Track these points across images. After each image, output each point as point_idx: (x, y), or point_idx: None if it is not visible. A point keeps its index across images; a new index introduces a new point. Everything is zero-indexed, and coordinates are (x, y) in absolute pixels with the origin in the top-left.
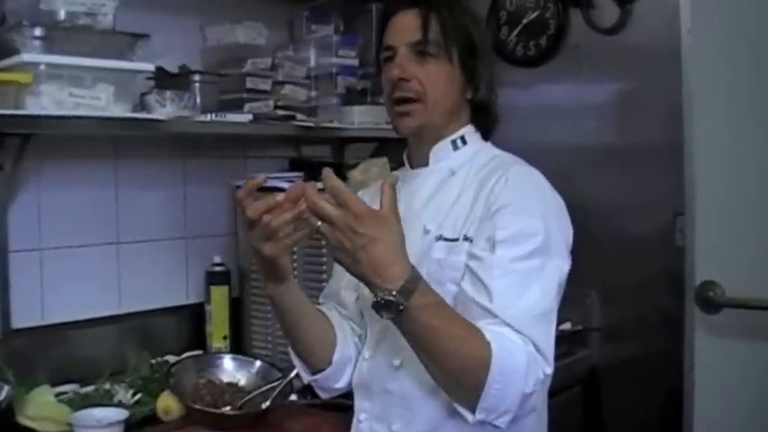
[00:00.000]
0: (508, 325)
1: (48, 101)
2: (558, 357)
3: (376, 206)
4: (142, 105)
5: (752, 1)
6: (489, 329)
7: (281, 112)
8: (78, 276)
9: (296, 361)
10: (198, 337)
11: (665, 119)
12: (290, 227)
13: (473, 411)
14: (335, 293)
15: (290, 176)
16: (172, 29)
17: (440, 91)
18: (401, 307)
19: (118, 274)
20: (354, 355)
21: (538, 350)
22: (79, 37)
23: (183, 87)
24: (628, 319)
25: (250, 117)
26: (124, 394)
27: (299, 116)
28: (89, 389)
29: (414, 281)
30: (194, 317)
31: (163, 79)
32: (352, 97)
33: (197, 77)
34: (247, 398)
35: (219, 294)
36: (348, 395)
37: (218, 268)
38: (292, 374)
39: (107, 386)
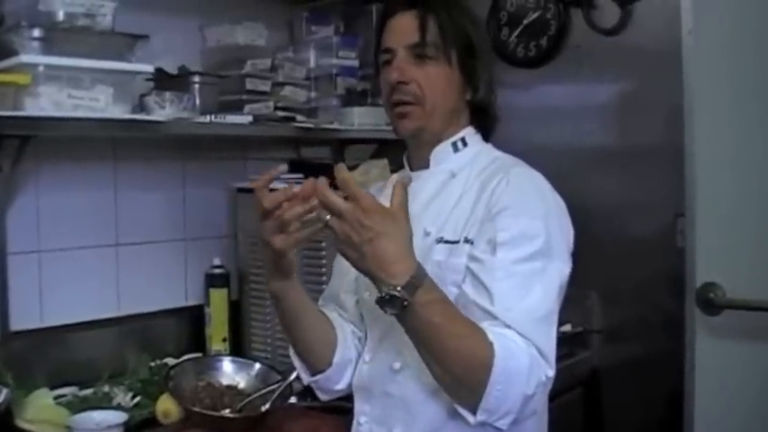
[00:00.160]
0: (510, 327)
1: (46, 102)
2: (558, 359)
3: (384, 201)
4: (141, 107)
5: (754, 1)
6: (492, 330)
7: (280, 114)
8: (77, 278)
9: (296, 361)
10: (197, 340)
11: (666, 119)
12: (299, 222)
13: (474, 412)
14: (335, 296)
15: (290, 178)
16: (171, 30)
17: (439, 93)
18: (405, 302)
19: (117, 276)
20: (355, 357)
21: (540, 352)
22: (78, 38)
23: (183, 89)
24: (628, 321)
25: (250, 118)
26: (123, 397)
27: (298, 117)
28: (88, 391)
29: (419, 277)
30: (194, 319)
31: (162, 80)
32: (353, 98)
33: (196, 79)
34: (247, 400)
35: (219, 297)
36: (348, 398)
37: (217, 270)
38: (292, 377)
39: (106, 389)
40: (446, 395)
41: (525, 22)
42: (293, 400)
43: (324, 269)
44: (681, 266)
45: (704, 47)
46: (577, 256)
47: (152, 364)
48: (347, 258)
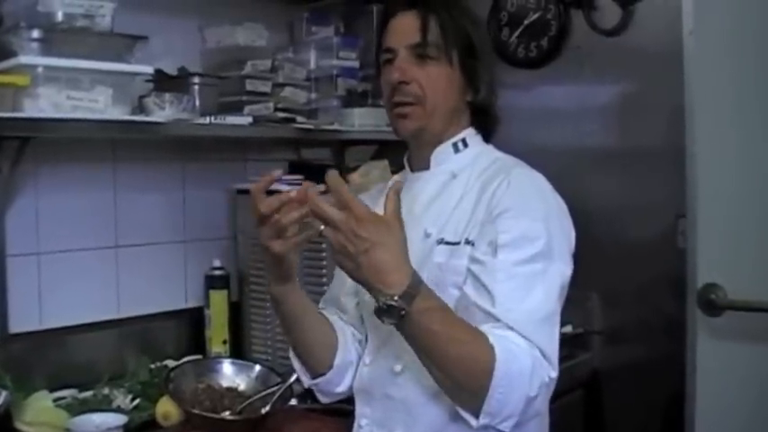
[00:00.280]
0: (511, 329)
1: (45, 103)
2: (559, 360)
3: (378, 209)
4: (141, 108)
5: (755, 2)
6: (493, 333)
7: (281, 115)
8: (77, 280)
9: (296, 364)
10: (197, 342)
11: (667, 120)
12: (297, 226)
13: (477, 416)
14: (336, 299)
15: (290, 179)
16: (171, 31)
17: (440, 93)
18: (403, 312)
19: (116, 277)
20: (355, 359)
21: (542, 354)
22: (77, 39)
23: (183, 90)
24: (629, 322)
25: (250, 119)
26: (123, 399)
27: (299, 118)
28: (87, 394)
29: (416, 286)
30: (193, 321)
31: (162, 81)
32: (353, 99)
33: (196, 80)
34: (247, 402)
35: (219, 298)
36: (348, 400)
37: (217, 272)
38: (292, 379)
39: (106, 391)
40: (448, 398)
41: (526, 22)
42: (294, 402)
43: (324, 271)
44: (682, 267)
45: (705, 48)
46: (578, 257)
47: (152, 366)
48: (343, 269)
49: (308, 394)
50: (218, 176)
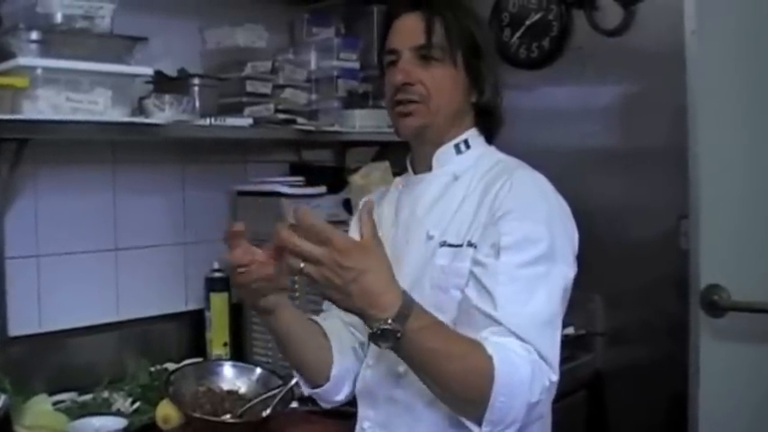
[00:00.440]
0: (513, 332)
1: (44, 105)
2: (561, 362)
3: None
4: (140, 110)
5: (757, 2)
6: (491, 342)
7: (281, 116)
8: (76, 283)
9: (296, 374)
10: (198, 344)
11: (670, 121)
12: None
13: (479, 424)
14: None
15: (290, 181)
16: (170, 32)
17: (445, 95)
18: (398, 334)
19: (116, 280)
20: (353, 366)
21: (543, 358)
22: (76, 40)
23: (182, 91)
24: (632, 323)
25: (250, 121)
26: (123, 402)
27: (299, 120)
28: (87, 397)
29: (408, 305)
30: (194, 323)
31: (161, 83)
32: (354, 101)
33: (196, 81)
34: (248, 406)
35: (219, 301)
36: (351, 402)
37: (217, 274)
38: (293, 382)
39: (105, 394)
40: None
41: (527, 23)
42: (295, 404)
43: None
44: (684, 269)
45: (708, 48)
46: (581, 258)
47: (152, 369)
48: (331, 301)
49: (309, 397)
50: (219, 178)
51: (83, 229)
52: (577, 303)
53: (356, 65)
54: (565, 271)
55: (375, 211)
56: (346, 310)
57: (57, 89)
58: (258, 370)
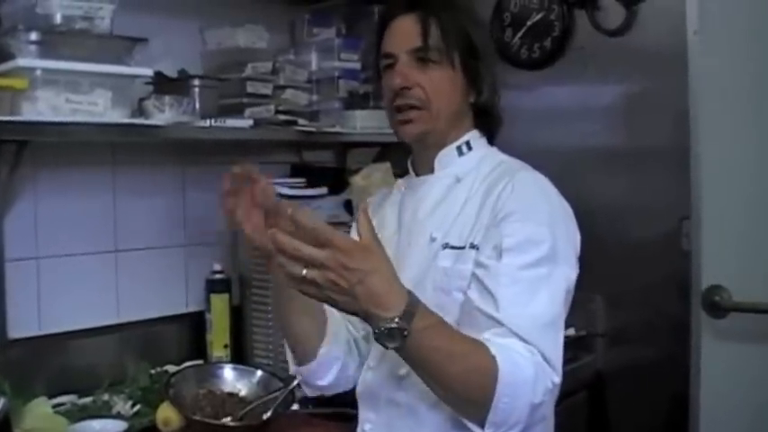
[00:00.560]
0: (515, 334)
1: (44, 107)
2: (562, 363)
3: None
4: (140, 111)
5: (759, 2)
6: (495, 342)
7: (282, 117)
8: (76, 285)
9: (287, 350)
10: (198, 347)
11: (672, 121)
12: None
13: (482, 426)
14: None
15: (291, 182)
16: (171, 32)
17: (444, 97)
18: (405, 332)
19: (116, 282)
20: (342, 355)
21: (545, 359)
22: (76, 41)
23: (183, 92)
24: (633, 324)
25: (251, 122)
26: (123, 405)
27: (300, 121)
28: (87, 400)
29: (413, 304)
30: (194, 325)
31: (161, 84)
32: (355, 101)
33: (196, 82)
34: (248, 408)
35: (220, 302)
36: (352, 404)
37: (218, 276)
38: (294, 384)
39: (105, 397)
40: None
41: (529, 23)
42: (296, 407)
43: None
44: (686, 269)
45: (710, 48)
46: (582, 258)
47: (152, 371)
48: (335, 305)
49: (310, 399)
50: (219, 180)
51: (83, 230)
52: (578, 304)
53: (357, 65)
54: (567, 272)
55: (377, 213)
56: (350, 313)
57: (56, 90)
58: (259, 372)
